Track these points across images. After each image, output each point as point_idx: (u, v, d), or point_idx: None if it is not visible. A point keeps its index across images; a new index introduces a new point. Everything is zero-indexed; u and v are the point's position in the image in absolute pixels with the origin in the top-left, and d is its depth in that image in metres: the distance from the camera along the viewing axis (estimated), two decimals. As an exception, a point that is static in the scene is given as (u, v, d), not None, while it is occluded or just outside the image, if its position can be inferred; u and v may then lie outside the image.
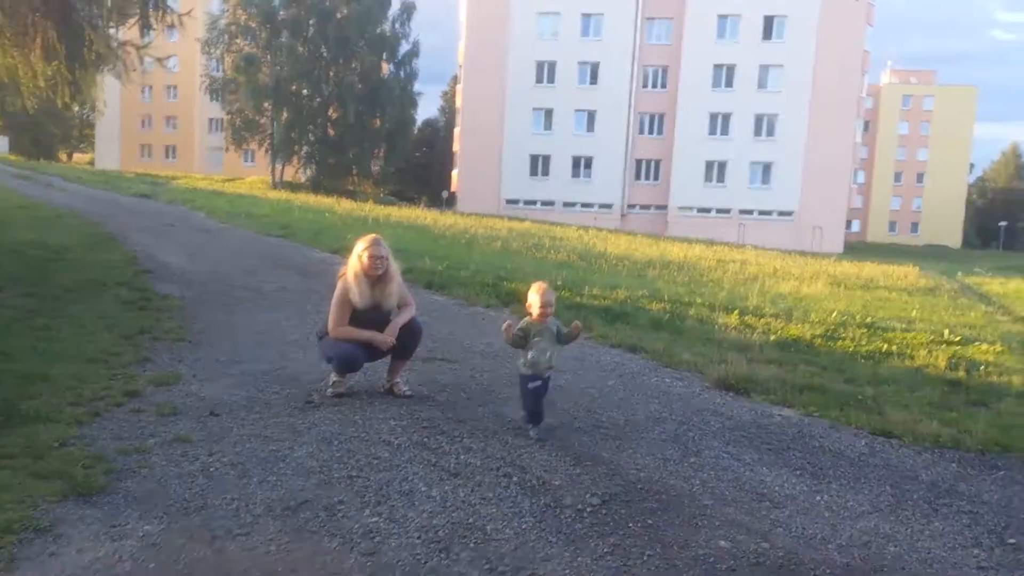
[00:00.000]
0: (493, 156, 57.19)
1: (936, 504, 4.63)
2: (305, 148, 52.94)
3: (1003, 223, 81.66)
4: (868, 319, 12.03)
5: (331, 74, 51.79)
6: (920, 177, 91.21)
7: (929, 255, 49.69)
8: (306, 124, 52.20)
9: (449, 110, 75.47)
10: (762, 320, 10.93)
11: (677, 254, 23.74)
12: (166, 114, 74.26)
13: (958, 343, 10.44)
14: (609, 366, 7.74)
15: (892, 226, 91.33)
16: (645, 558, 3.62)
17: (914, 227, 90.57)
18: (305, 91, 51.80)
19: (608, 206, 57.03)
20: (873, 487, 4.85)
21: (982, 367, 8.83)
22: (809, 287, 16.64)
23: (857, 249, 53.96)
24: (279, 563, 3.39)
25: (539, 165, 58.03)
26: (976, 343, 10.54)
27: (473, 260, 16.13)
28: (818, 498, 4.59)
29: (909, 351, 9.58)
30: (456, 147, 59.54)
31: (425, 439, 5.07)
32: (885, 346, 9.76)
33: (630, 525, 3.97)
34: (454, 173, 59.91)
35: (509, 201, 56.68)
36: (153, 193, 30.24)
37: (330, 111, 52.53)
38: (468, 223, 30.12)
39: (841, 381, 7.79)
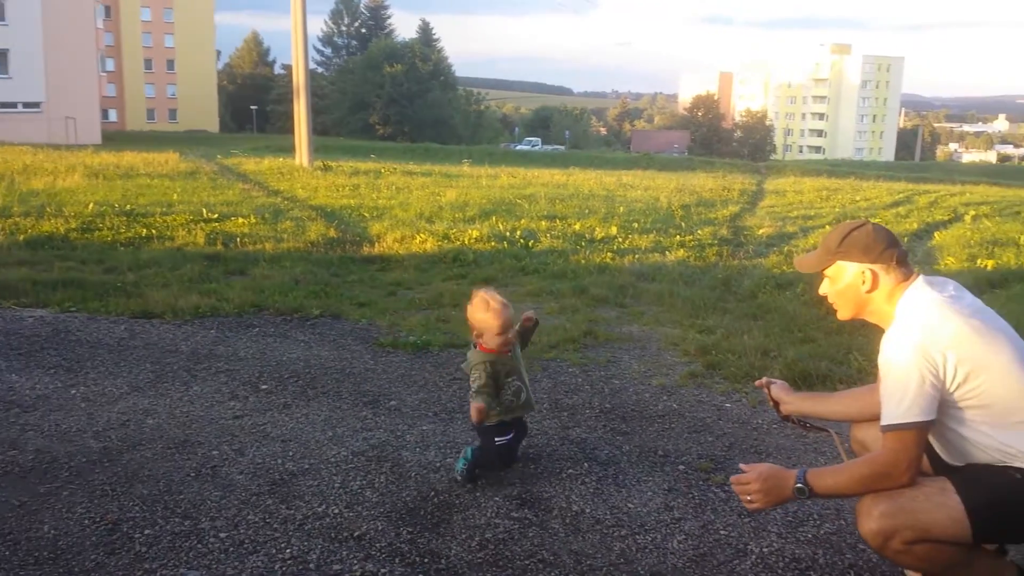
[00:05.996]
0: None
1: (196, 371, 4.82)
2: None
3: (254, 107, 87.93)
4: (128, 207, 11.80)
5: None
6: (171, 64, 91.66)
7: (190, 140, 50.66)
8: None
9: None
10: (10, 221, 9.87)
11: None
12: None
13: (216, 220, 10.97)
14: None
15: (151, 114, 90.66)
16: None
17: (172, 114, 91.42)
18: None
19: None
20: (133, 368, 4.82)
21: (238, 239, 9.44)
22: (65, 181, 15.56)
23: (116, 139, 52.04)
24: None
25: None
26: (233, 218, 11.21)
27: None
28: (73, 392, 4.37)
29: (170, 233, 9.73)
30: None
31: None
32: (145, 231, 9.74)
33: None
34: None
35: None
36: None
37: None
38: None
39: (101, 272, 7.53)
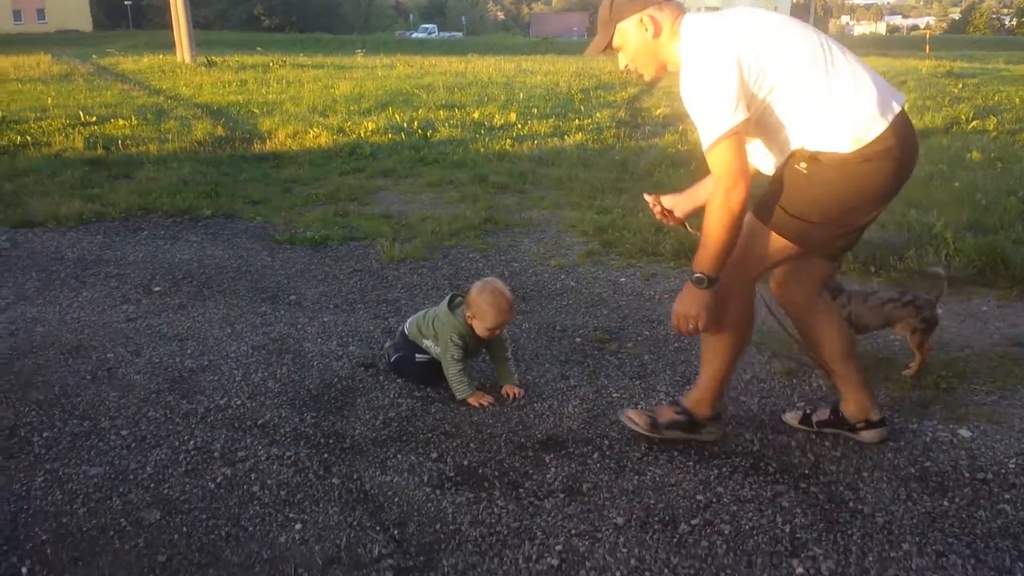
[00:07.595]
0: None
1: (84, 277, 4.68)
2: None
3: (129, 2, 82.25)
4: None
5: None
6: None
7: (62, 41, 47.13)
8: None
9: None
10: None
11: None
12: None
13: (95, 123, 10.44)
14: None
15: (17, 15, 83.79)
16: None
17: (41, 14, 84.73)
18: None
19: None
20: (17, 278, 4.65)
21: (120, 141, 9.03)
22: (-76, 88, 14.47)
23: (-20, 42, 48.33)
24: None
25: None
26: (113, 120, 10.69)
27: None
28: (-46, 305, 4.20)
29: (46, 139, 9.25)
30: None
31: None
32: (20, 138, 9.22)
33: None
34: None
35: None
36: None
37: None
38: None
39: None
